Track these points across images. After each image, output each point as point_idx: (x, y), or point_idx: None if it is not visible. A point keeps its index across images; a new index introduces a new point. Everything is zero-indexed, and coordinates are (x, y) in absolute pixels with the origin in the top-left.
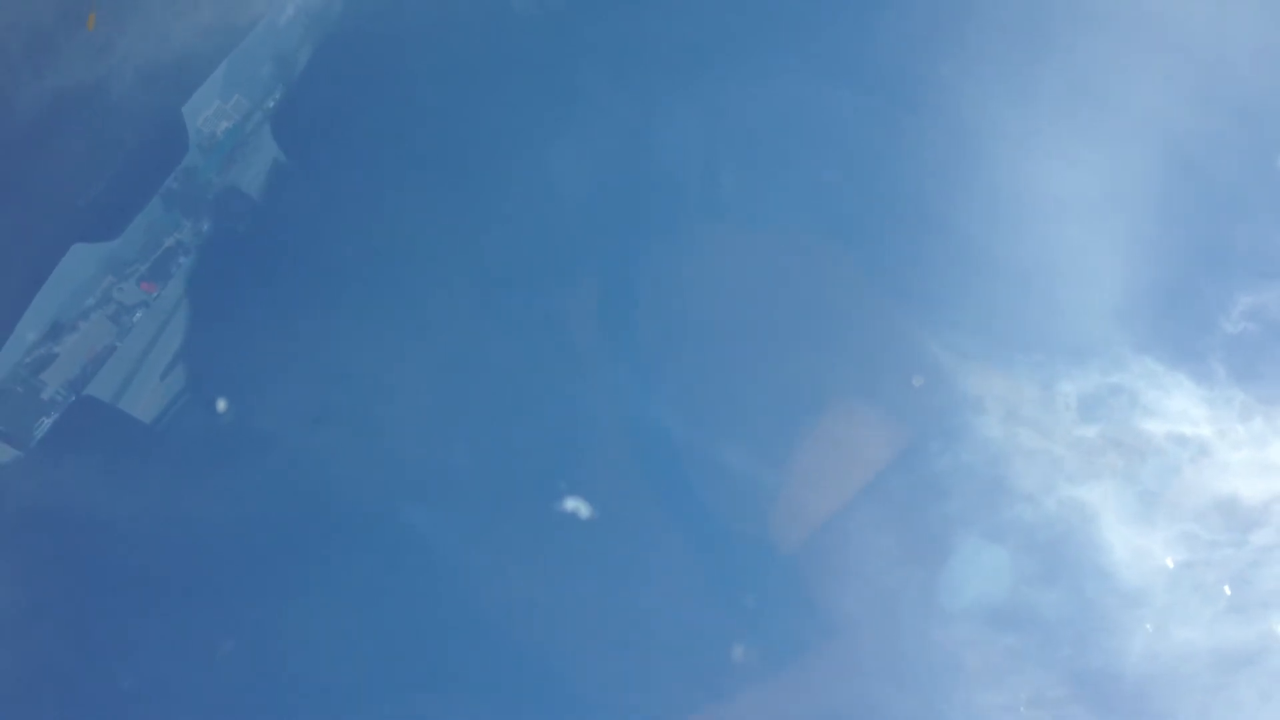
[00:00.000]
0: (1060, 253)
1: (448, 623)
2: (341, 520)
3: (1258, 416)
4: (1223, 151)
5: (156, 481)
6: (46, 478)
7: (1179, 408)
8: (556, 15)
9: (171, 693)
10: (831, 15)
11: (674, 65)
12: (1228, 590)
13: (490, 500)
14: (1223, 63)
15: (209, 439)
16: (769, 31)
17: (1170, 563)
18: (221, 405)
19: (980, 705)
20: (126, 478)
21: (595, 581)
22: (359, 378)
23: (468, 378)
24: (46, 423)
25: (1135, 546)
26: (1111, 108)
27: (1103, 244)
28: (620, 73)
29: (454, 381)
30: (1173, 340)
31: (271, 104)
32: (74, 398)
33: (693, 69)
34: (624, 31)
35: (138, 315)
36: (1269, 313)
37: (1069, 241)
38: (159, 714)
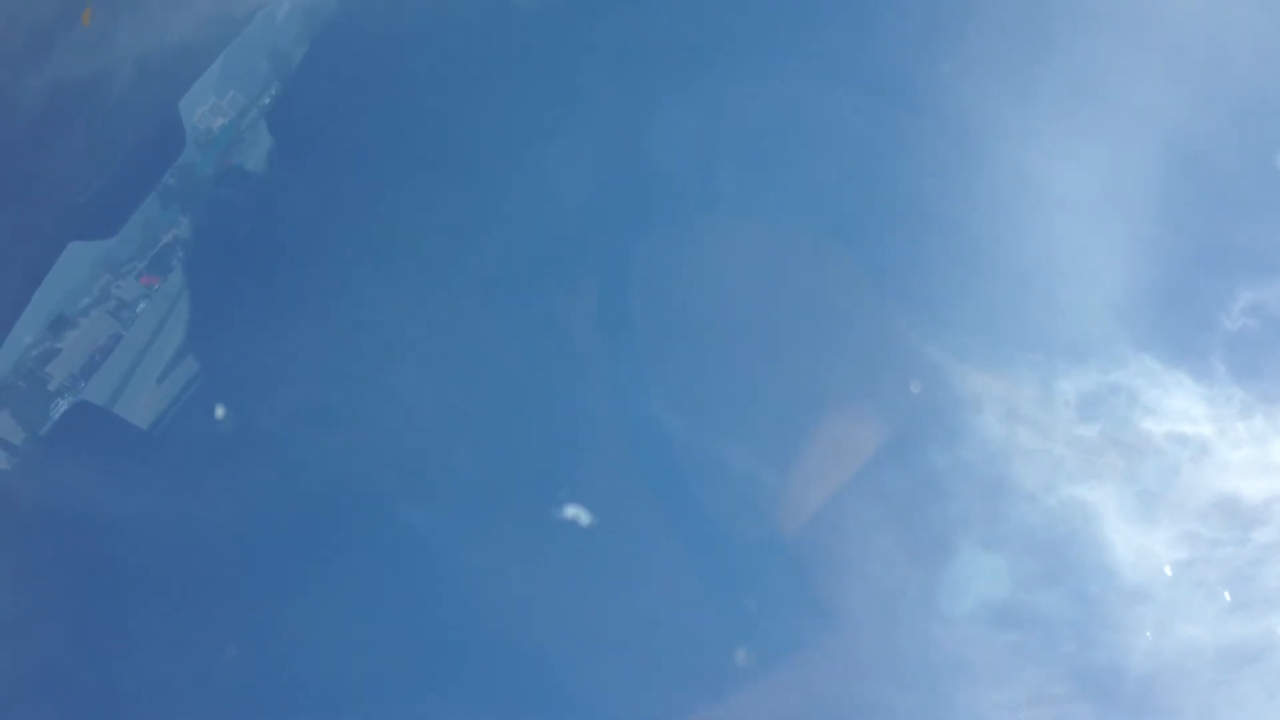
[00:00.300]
0: (1059, 251)
1: (448, 623)
2: (341, 520)
3: (1258, 415)
4: (1223, 149)
5: (155, 483)
6: (45, 481)
7: (1179, 406)
8: (556, 14)
9: (172, 694)
10: (831, 15)
11: (674, 65)
12: (1227, 596)
13: (491, 500)
14: (1223, 60)
15: (207, 441)
16: (769, 31)
17: (1168, 570)
18: (218, 406)
19: (982, 704)
20: (125, 480)
21: (596, 582)
22: (357, 377)
23: (468, 377)
24: (62, 404)
25: (1137, 545)
26: (1111, 106)
27: (1102, 242)
28: (620, 73)
29: (454, 381)
30: (1172, 338)
31: (268, 100)
32: (84, 384)
33: (693, 69)
34: (624, 31)
35: (140, 306)
36: (1269, 310)
37: (1068, 240)
38: (159, 715)
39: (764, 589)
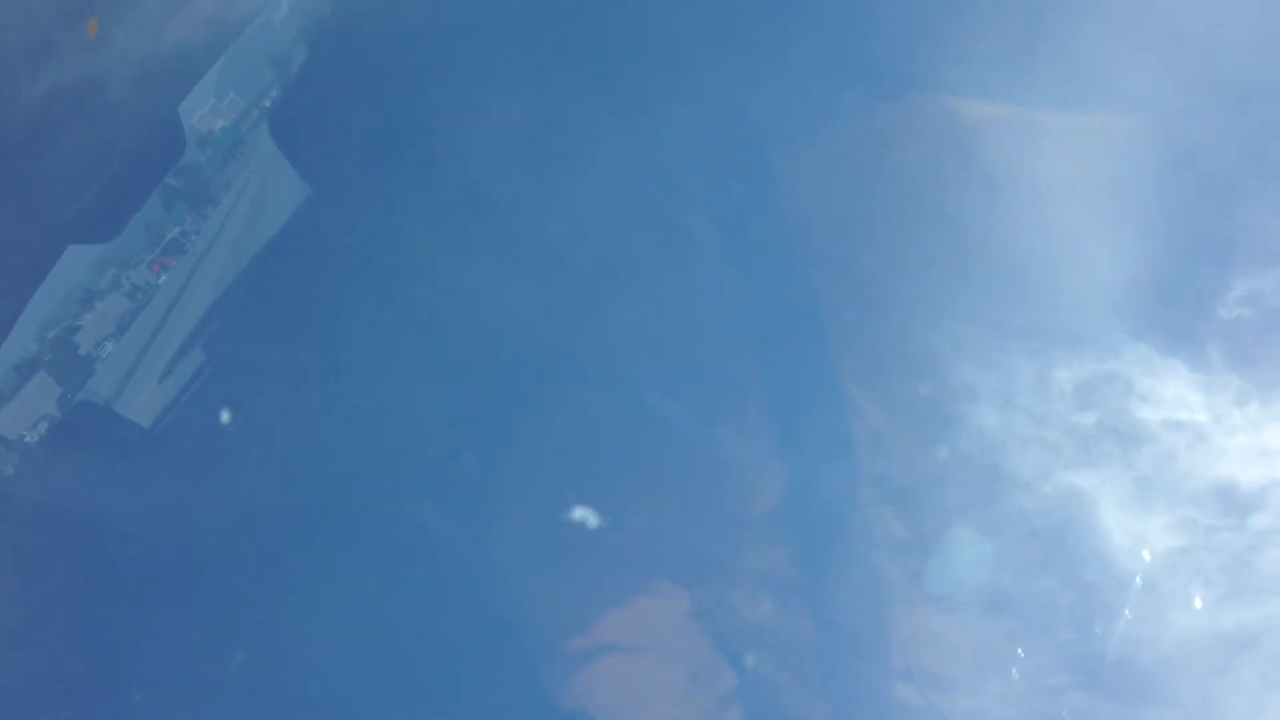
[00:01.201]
0: (1055, 241)
1: (451, 622)
2: (345, 519)
3: (1253, 402)
4: (1218, 142)
5: (157, 482)
6: (47, 480)
7: (1175, 394)
8: (556, 15)
9: (174, 695)
10: (831, 15)
11: (674, 65)
12: (1198, 603)
13: (495, 499)
14: (1219, 51)
15: (209, 439)
16: (769, 31)
17: (1147, 555)
18: (221, 405)
19: (980, 693)
20: (127, 479)
21: (596, 578)
22: (358, 376)
23: (470, 376)
24: (110, 347)
25: (1133, 532)
26: (1108, 97)
27: (1098, 233)
28: (620, 73)
29: (456, 379)
30: (1168, 327)
31: (268, 103)
32: (122, 336)
33: (693, 69)
34: (624, 31)
35: (163, 279)
36: (1265, 299)
37: (1064, 229)
38: (160, 714)
39: (764, 581)
